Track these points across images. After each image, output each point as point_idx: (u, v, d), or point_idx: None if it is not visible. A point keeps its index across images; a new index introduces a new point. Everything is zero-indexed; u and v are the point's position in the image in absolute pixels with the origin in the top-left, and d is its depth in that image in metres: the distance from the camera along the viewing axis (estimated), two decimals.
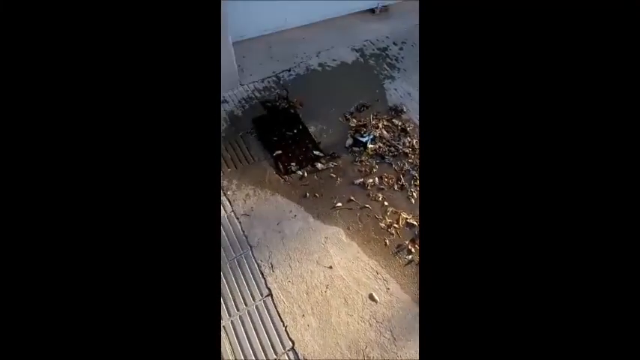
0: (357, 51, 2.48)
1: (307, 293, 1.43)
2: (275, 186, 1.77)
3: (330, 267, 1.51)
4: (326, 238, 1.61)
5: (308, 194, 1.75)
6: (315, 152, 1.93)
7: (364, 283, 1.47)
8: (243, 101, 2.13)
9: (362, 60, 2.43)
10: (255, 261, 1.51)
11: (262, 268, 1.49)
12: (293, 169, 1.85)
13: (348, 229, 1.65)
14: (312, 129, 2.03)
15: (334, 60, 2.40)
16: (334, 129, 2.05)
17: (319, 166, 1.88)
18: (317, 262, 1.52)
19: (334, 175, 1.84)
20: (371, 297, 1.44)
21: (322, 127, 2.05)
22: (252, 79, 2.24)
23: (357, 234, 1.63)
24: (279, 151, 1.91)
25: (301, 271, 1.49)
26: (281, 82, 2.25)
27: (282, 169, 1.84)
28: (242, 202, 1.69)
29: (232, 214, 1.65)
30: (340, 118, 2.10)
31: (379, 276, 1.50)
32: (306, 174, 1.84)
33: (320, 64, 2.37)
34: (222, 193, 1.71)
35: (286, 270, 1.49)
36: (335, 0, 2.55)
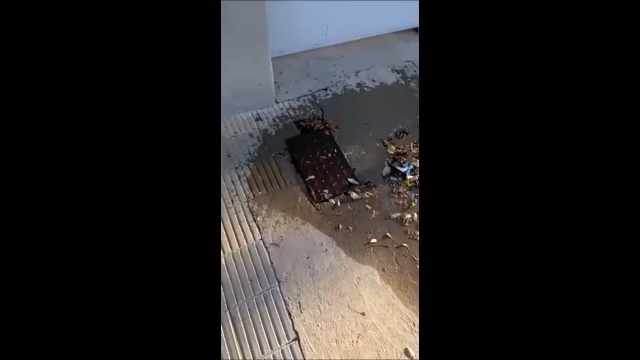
0: (397, 72, 2.36)
1: (337, 342, 1.31)
2: (306, 214, 1.67)
3: (363, 313, 1.38)
4: (359, 278, 1.49)
5: (341, 226, 1.64)
6: (349, 180, 1.82)
7: (399, 336, 1.34)
8: (278, 120, 2.05)
9: (403, 82, 2.32)
10: (283, 298, 1.41)
11: (290, 307, 1.38)
12: (326, 196, 1.75)
13: (383, 270, 1.52)
14: (347, 154, 1.93)
15: (373, 81, 2.30)
16: (371, 155, 1.93)
17: (353, 195, 1.76)
18: (348, 305, 1.40)
19: (369, 207, 1.72)
20: (406, 352, 1.30)
21: (358, 153, 1.94)
22: (288, 97, 2.17)
23: (393, 277, 1.50)
24: (312, 176, 1.81)
25: (331, 315, 1.37)
26: (317, 101, 2.17)
27: (314, 196, 1.74)
28: (272, 229, 1.60)
29: (261, 242, 1.56)
30: (378, 144, 1.99)
31: (416, 328, 1.36)
32: (339, 203, 1.73)
33: (358, 85, 2.27)
34: (252, 219, 1.63)
35: (315, 312, 1.38)
36: (376, 17, 2.45)
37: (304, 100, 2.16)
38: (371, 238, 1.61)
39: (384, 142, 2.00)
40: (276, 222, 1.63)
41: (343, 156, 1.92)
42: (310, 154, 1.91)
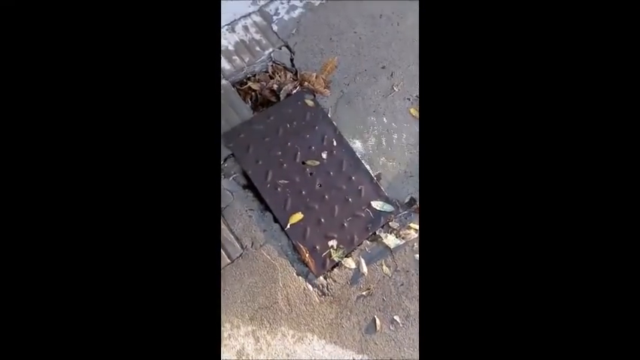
0: None
1: None
2: (302, 312, 0.78)
3: None
4: None
5: (378, 321, 0.79)
6: (374, 204, 0.88)
7: None
8: None
9: None
10: None
11: None
12: (334, 256, 0.83)
13: None
14: (356, 144, 0.94)
15: None
16: (400, 136, 0.96)
17: (389, 240, 0.86)
18: None
19: None
20: None
21: (378, 136, 0.95)
22: None
23: None
24: (299, 216, 0.85)
25: None
26: (273, 26, 1.02)
27: (311, 265, 0.82)
28: None
29: None
30: (413, 109, 0.99)
31: None
32: (364, 265, 0.83)
33: None
34: None
35: None
36: None
37: (246, 29, 1.01)
38: None
39: None
40: (239, 353, 0.73)
41: (352, 151, 0.93)
42: (283, 162, 0.89)
